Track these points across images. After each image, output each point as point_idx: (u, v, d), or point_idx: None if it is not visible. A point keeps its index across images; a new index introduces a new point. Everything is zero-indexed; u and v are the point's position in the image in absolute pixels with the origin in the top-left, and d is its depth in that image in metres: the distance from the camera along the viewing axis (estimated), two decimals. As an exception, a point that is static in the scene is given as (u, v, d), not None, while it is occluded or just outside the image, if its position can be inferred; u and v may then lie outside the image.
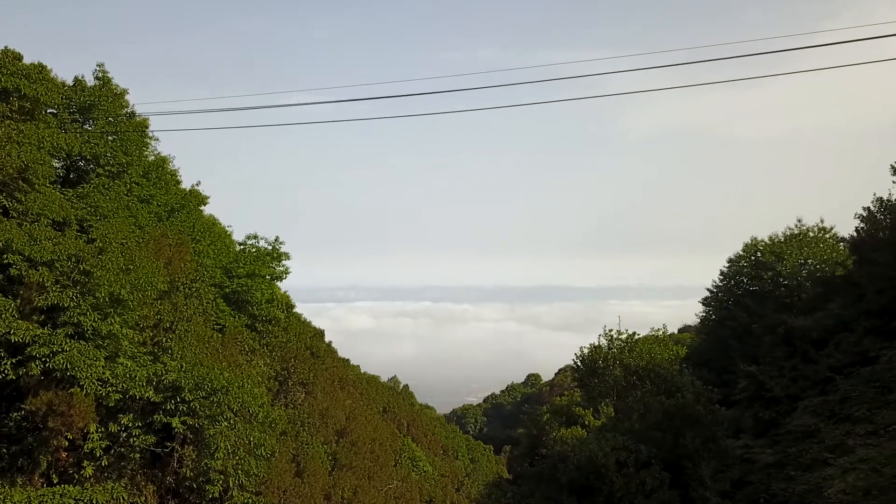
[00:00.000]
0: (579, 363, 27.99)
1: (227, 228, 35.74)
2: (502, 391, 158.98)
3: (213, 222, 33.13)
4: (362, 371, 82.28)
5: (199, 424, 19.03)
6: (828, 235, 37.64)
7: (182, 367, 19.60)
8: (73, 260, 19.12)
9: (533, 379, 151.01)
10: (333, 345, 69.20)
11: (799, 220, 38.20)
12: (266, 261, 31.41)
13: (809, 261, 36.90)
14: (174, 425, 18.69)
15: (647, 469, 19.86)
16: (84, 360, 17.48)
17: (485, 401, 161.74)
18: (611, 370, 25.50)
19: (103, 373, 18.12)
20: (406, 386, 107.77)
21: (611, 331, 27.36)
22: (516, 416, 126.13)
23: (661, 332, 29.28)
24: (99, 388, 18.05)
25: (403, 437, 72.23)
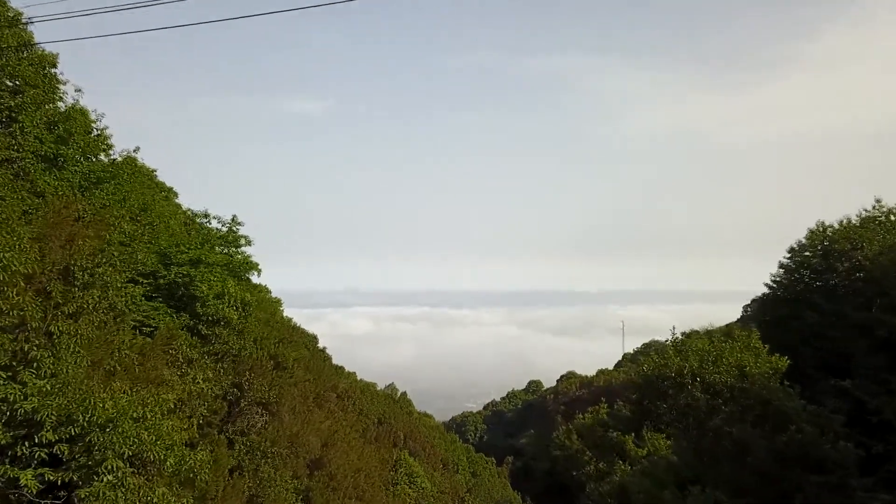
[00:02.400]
0: (640, 382, 20.87)
1: (181, 206, 28.94)
2: (503, 398, 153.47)
3: (154, 196, 26.25)
4: (358, 378, 76.69)
5: (66, 480, 12.30)
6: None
7: (51, 388, 12.83)
8: None
9: (534, 386, 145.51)
10: (328, 351, 64.55)
11: (878, 201, 31.43)
12: (216, 244, 24.65)
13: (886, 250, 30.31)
14: (23, 482, 11.89)
15: (758, 544, 13.18)
16: None
17: (485, 408, 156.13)
18: (689, 390, 18.44)
19: None
20: (404, 393, 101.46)
21: (681, 334, 20.38)
22: (517, 423, 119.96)
23: (748, 334, 21.83)
24: None
25: (400, 451, 66.26)
